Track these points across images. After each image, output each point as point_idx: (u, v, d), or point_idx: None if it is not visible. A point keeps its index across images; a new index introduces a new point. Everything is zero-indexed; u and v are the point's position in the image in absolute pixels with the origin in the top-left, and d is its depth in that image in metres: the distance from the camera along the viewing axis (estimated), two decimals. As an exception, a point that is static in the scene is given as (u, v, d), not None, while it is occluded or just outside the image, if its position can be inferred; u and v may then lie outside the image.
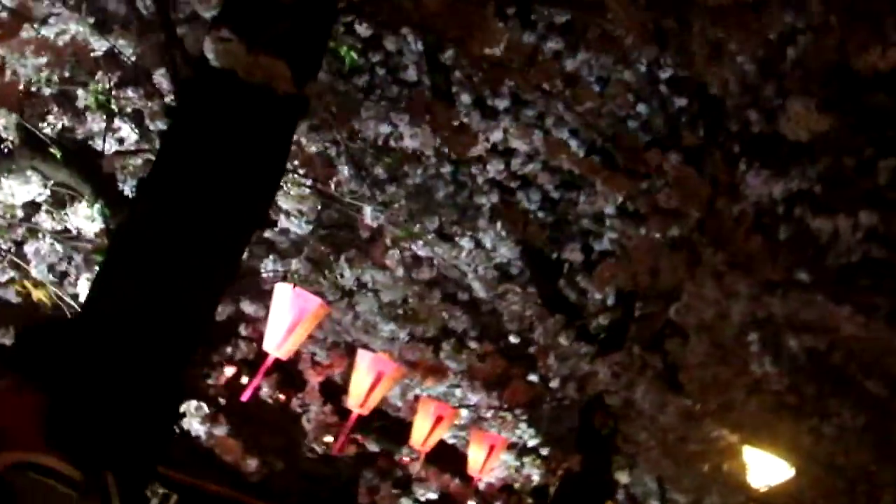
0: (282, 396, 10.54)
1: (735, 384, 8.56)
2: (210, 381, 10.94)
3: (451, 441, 11.54)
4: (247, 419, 11.91)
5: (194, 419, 6.49)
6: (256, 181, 4.53)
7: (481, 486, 10.51)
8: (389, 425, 11.42)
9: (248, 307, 9.03)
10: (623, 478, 11.82)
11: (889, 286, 7.91)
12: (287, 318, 7.00)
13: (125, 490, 3.93)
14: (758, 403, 8.73)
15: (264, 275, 7.71)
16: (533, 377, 10.28)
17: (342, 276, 7.80)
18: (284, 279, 7.27)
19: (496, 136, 8.15)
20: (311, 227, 6.84)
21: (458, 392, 10.46)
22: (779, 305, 7.80)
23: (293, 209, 6.36)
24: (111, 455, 3.80)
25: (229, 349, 9.70)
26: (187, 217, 4.34)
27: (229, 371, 11.32)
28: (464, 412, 10.73)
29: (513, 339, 10.28)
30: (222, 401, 11.47)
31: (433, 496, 11.07)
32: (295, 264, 7.43)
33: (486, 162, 8.53)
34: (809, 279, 8.08)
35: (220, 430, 6.54)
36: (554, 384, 9.97)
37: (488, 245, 8.29)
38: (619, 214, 9.36)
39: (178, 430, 7.12)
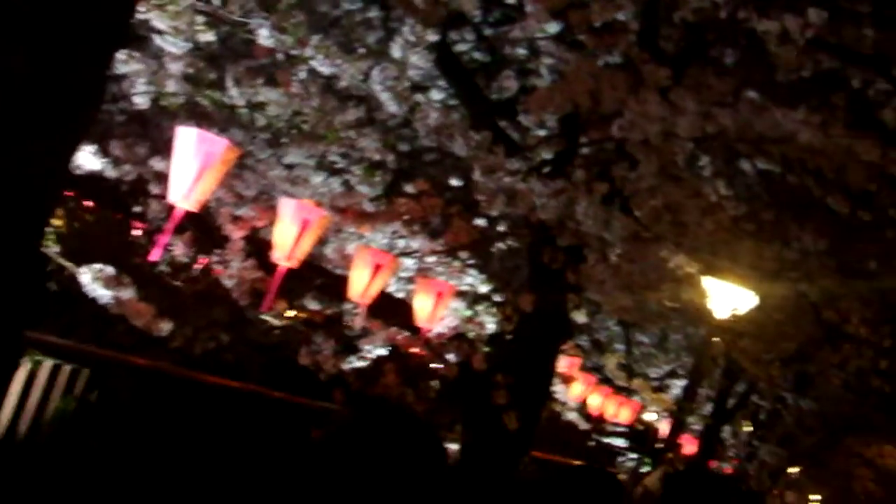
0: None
1: (687, 207, 8.16)
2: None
3: (399, 295, 11.12)
4: (198, 296, 11.46)
5: (97, 283, 5.91)
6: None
7: (431, 336, 10.08)
8: (331, 283, 10.96)
9: (159, 164, 8.35)
10: (580, 317, 11.50)
11: (843, 96, 7.44)
12: (193, 165, 6.39)
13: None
14: (714, 226, 8.34)
15: (135, 98, 6.95)
16: (480, 221, 9.83)
17: (230, 97, 7.09)
18: (156, 102, 6.57)
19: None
20: (188, 46, 6.13)
21: (401, 243, 9.98)
22: (729, 118, 7.32)
23: (168, 27, 5.68)
24: None
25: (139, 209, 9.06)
26: (27, 37, 3.68)
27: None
28: (409, 263, 10.28)
29: (454, 182, 9.82)
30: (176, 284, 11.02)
31: (383, 352, 10.68)
32: (172, 85, 6.67)
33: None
34: (760, 97, 7.64)
35: (127, 293, 5.97)
36: (501, 227, 9.52)
37: (398, 55, 7.56)
38: (555, 41, 8.83)
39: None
